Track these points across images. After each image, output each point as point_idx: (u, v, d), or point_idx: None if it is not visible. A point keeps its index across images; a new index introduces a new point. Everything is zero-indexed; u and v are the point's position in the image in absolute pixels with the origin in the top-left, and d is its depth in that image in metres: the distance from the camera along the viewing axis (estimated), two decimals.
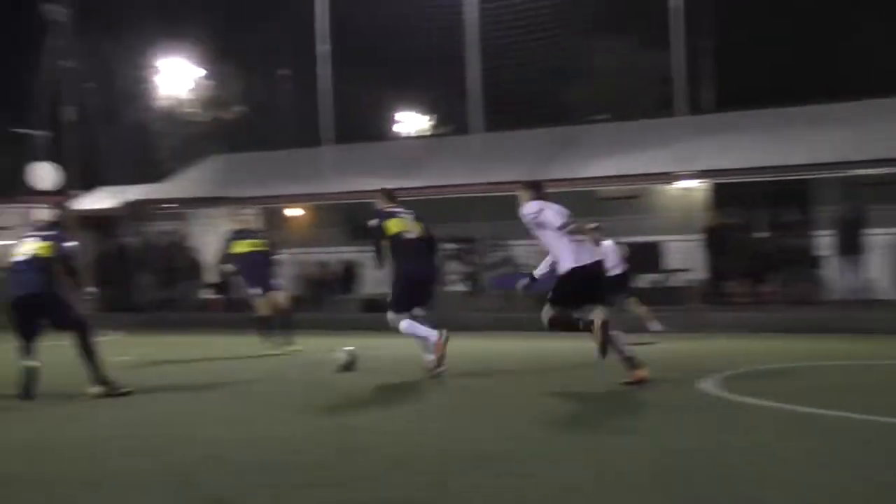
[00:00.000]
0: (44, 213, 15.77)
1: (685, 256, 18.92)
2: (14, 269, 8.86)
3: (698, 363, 11.45)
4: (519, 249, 23.16)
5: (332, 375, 10.50)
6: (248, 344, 14.87)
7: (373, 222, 10.81)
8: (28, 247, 8.99)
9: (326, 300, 23.58)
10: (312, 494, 4.47)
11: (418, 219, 10.63)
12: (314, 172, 23.38)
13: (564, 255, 9.28)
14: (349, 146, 26.27)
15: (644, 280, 21.63)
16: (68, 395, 8.83)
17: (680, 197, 19.57)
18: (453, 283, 22.98)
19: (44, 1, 25.63)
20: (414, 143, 31.06)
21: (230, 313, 23.14)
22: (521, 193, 9.65)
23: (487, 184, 21.46)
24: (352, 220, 23.61)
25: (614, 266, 14.68)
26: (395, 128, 41.52)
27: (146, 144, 38.16)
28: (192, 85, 39.42)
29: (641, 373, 9.17)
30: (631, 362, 9.26)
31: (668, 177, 20.24)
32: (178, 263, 25.04)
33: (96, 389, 8.74)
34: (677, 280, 20.39)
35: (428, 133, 40.37)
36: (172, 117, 39.06)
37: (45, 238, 9.06)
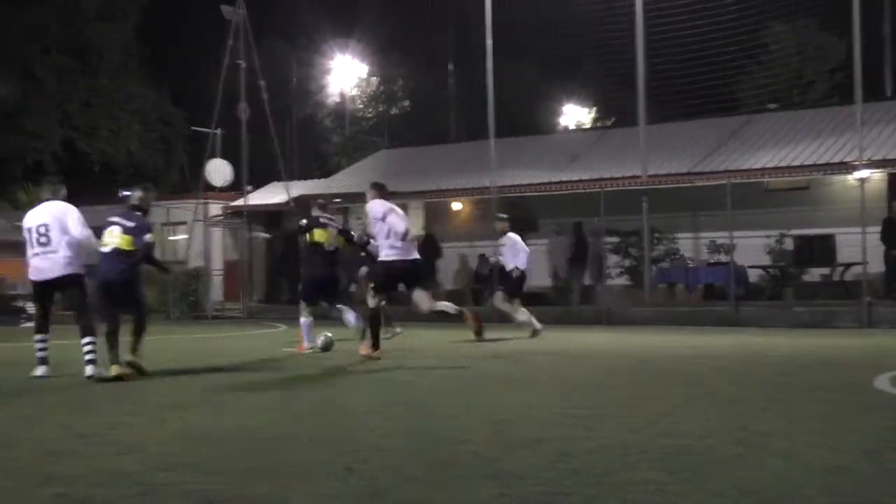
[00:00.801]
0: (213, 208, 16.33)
1: (860, 249, 18.09)
2: (102, 256, 9.72)
3: (873, 360, 10.93)
4: (684, 243, 22.68)
5: (483, 365, 10.50)
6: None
7: (304, 223, 12.68)
8: (112, 238, 9.70)
9: (488, 293, 23.63)
10: (469, 486, 4.45)
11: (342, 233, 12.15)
12: (478, 166, 23.46)
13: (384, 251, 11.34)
14: (512, 140, 26.24)
15: (815, 274, 20.85)
16: (222, 386, 9.10)
17: (855, 188, 18.73)
18: (615, 276, 22.67)
19: (222, 2, 26.52)
20: (576, 136, 30.77)
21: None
22: (369, 192, 11.51)
23: (651, 176, 21.08)
24: (514, 213, 23.54)
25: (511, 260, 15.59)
26: (558, 121, 41.32)
27: (316, 140, 39.15)
28: (360, 82, 40.18)
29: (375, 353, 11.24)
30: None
31: (844, 167, 19.42)
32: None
33: (129, 358, 9.56)
34: (851, 274, 19.55)
35: (591, 125, 39.99)
36: (341, 114, 39.92)
37: (125, 230, 9.73)
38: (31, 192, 28.19)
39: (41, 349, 9.68)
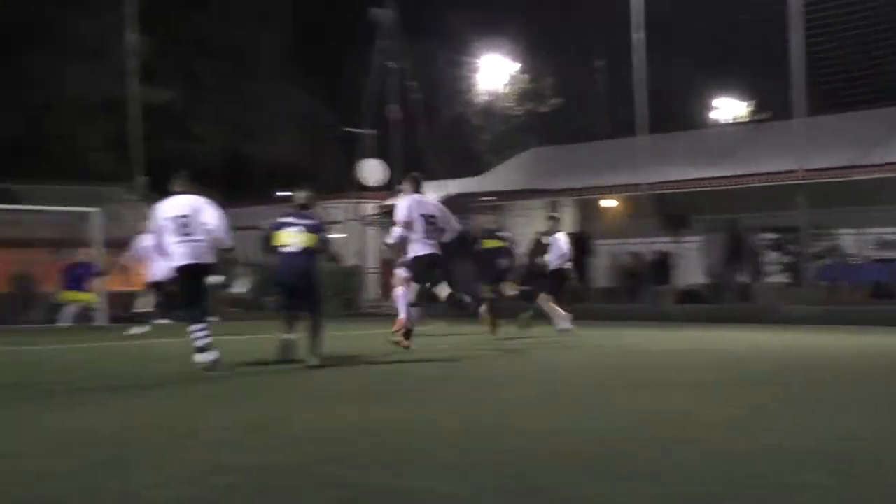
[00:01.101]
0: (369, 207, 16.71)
1: None
2: (285, 255, 10.18)
3: None
4: (847, 239, 21.91)
5: (637, 365, 10.38)
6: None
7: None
8: (295, 238, 10.18)
9: (641, 292, 23.35)
10: (629, 485, 4.43)
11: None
12: (629, 163, 23.20)
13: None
14: (664, 135, 25.83)
15: None
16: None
17: None
18: (772, 273, 22.05)
19: (371, 5, 27.00)
20: (731, 131, 30.06)
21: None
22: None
23: (809, 170, 20.43)
24: (667, 210, 23.21)
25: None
26: (712, 115, 40.41)
27: (466, 139, 39.38)
28: (508, 79, 40.22)
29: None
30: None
31: None
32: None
33: (315, 361, 9.97)
34: None
35: (746, 119, 38.97)
36: (490, 112, 40.06)
37: (308, 229, 10.25)
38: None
39: (201, 337, 9.96)
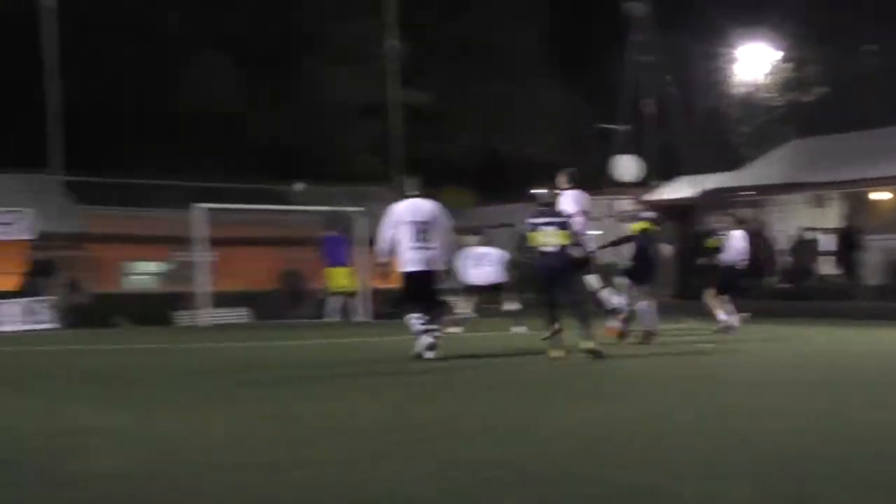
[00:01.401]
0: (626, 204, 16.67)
1: None
2: (544, 255, 10.60)
3: None
4: None
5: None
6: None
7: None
8: (550, 237, 10.56)
9: None
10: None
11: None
12: None
13: None
14: None
15: None
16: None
17: None
18: None
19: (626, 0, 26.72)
20: None
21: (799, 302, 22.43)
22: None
23: None
24: None
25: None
26: None
27: (723, 132, 38.23)
28: (769, 69, 38.73)
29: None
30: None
31: None
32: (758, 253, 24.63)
33: (590, 345, 10.39)
34: None
35: None
36: (749, 103, 38.70)
37: (560, 226, 10.63)
38: (449, 193, 29.99)
39: (424, 332, 10.59)
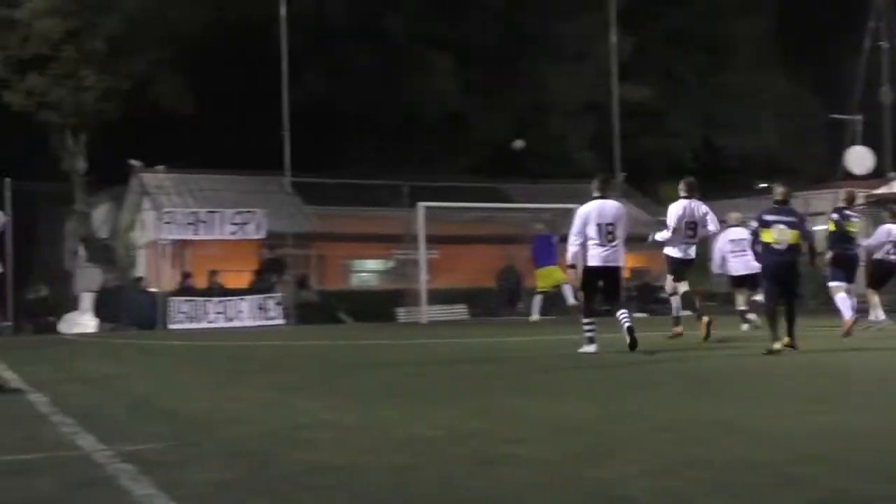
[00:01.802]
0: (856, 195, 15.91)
1: None
2: (774, 252, 10.75)
3: None
4: None
5: None
6: None
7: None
8: (783, 235, 10.67)
9: None
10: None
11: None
12: None
13: None
14: None
15: None
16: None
17: None
18: None
19: None
20: None
21: None
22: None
23: None
24: None
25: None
26: None
27: None
28: None
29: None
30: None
31: None
32: None
33: (779, 345, 10.41)
34: None
35: None
36: None
37: (791, 225, 10.72)
38: (668, 188, 29.42)
39: (589, 330, 11.01)
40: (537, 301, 21.17)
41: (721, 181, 30.85)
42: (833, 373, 9.25)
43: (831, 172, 27.19)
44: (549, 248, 20.78)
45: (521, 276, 24.63)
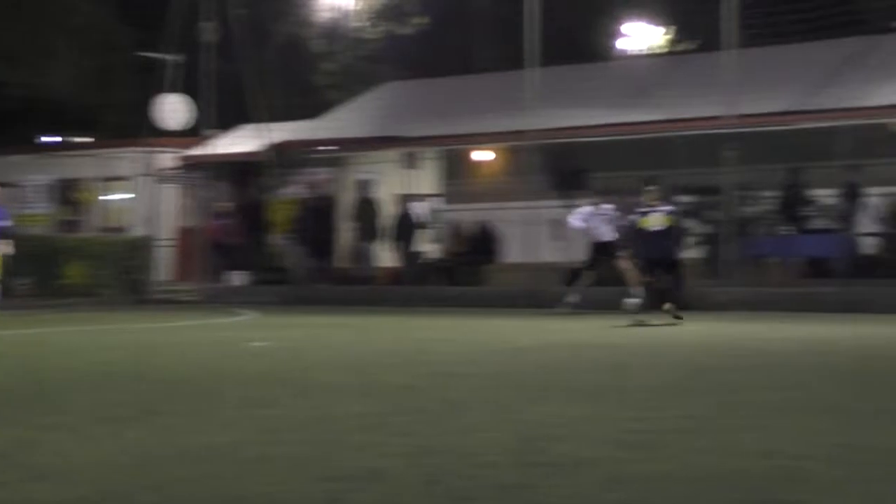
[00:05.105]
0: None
1: None
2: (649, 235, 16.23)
3: None
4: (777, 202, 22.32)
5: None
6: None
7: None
8: (658, 219, 16.21)
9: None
10: None
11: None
12: (513, 104, 23.17)
13: None
14: (560, 69, 25.88)
15: None
16: None
17: None
18: (688, 247, 22.27)
19: None
20: (645, 64, 30.41)
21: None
22: None
23: (741, 116, 20.77)
24: (559, 166, 23.29)
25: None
26: (620, 44, 40.83)
27: (301, 70, 38.89)
28: None
29: None
30: None
31: None
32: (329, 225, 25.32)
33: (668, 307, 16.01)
34: None
35: (664, 50, 39.52)
36: (334, 35, 39.67)
37: (666, 213, 16.41)
38: None
39: None
40: None
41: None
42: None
43: (141, 126, 27.85)
44: None
45: None
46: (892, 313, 17.41)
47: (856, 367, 10.44)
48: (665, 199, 17.44)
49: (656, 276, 16.71)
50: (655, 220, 16.28)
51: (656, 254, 16.40)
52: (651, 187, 17.50)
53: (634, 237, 16.90)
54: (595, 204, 18.73)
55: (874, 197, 20.88)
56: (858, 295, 18.65)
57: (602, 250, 18.37)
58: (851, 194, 20.17)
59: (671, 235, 16.66)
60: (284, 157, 25.36)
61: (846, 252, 19.57)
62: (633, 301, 16.68)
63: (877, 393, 8.54)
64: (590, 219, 18.54)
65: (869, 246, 21.18)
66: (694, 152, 20.50)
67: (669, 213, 16.72)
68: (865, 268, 20.10)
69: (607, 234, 18.37)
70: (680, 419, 7.07)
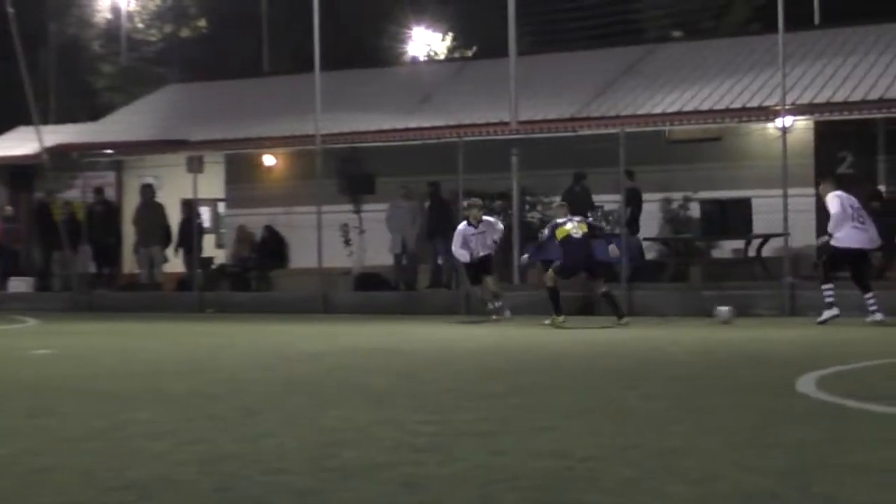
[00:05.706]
0: None
1: (782, 218, 18.42)
2: (572, 242, 16.78)
3: (797, 357, 11.20)
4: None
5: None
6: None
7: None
8: (577, 227, 16.82)
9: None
10: None
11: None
12: (297, 108, 23.07)
13: None
14: (345, 73, 25.88)
15: (727, 249, 21.22)
16: None
17: (778, 139, 19.12)
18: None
19: None
20: (431, 70, 30.68)
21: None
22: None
23: (523, 122, 21.07)
24: (345, 171, 23.26)
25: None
26: (404, 50, 41.10)
27: (80, 71, 38.05)
28: None
29: None
30: None
31: (764, 112, 19.82)
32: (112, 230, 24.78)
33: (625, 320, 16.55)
34: (770, 248, 19.97)
35: (446, 56, 39.94)
36: (115, 35, 38.91)
37: (581, 221, 17.15)
38: None
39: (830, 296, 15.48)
40: None
41: None
42: None
43: None
44: None
45: None
46: (676, 316, 17.89)
47: (639, 369, 10.70)
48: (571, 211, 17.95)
49: (581, 281, 17.97)
50: (575, 227, 16.87)
51: (582, 259, 16.94)
52: (474, 200, 18.92)
53: (558, 246, 17.21)
54: (474, 222, 18.54)
55: (654, 202, 21.48)
56: (641, 298, 18.98)
57: (480, 266, 18.45)
58: (632, 200, 20.63)
59: (589, 241, 17.18)
60: (61, 160, 24.66)
61: (629, 256, 19.97)
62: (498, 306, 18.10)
63: (663, 393, 8.77)
64: (469, 241, 18.34)
65: (651, 251, 21.74)
66: (479, 158, 20.68)
67: (582, 220, 17.35)
68: (648, 272, 20.60)
69: (483, 249, 18.45)
70: (474, 422, 7.16)
